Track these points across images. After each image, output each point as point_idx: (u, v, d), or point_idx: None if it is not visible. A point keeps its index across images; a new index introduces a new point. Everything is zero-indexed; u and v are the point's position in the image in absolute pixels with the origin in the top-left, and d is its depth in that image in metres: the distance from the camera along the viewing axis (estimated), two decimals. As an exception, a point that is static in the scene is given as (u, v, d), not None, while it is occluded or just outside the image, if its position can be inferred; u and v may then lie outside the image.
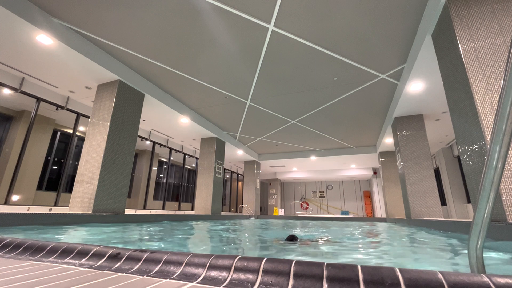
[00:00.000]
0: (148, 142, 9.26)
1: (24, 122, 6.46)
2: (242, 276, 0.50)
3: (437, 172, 10.64)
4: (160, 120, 7.80)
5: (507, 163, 2.49)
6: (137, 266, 0.59)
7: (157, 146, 9.69)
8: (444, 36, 3.36)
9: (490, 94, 2.77)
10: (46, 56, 4.63)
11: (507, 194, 2.46)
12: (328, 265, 0.47)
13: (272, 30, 4.23)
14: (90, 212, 4.48)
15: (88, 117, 6.65)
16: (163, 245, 2.36)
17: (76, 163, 7.26)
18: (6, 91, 5.47)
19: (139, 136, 8.58)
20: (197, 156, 11.83)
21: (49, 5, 3.93)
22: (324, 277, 0.45)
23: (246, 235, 3.27)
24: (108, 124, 5.04)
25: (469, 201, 9.15)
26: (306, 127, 8.81)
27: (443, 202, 10.11)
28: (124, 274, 0.56)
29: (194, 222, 6.20)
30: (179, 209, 11.22)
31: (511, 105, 0.59)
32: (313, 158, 12.41)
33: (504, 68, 2.61)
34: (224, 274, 0.52)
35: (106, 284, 0.49)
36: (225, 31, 4.31)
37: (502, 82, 1.05)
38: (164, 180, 11.01)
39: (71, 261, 0.67)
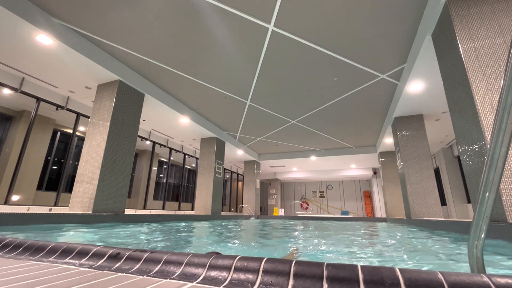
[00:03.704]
0: (148, 142, 9.26)
1: (24, 122, 6.46)
2: (242, 276, 0.50)
3: (437, 172, 10.64)
4: (160, 120, 7.80)
5: (507, 163, 2.49)
6: (137, 266, 0.59)
7: (157, 146, 9.69)
8: (444, 36, 3.36)
9: (490, 94, 2.77)
10: (46, 56, 4.63)
11: (507, 194, 2.46)
12: (328, 265, 0.47)
13: (272, 30, 4.23)
14: (90, 212, 4.48)
15: (88, 117, 6.65)
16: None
17: (76, 163, 7.26)
18: (6, 91, 5.47)
19: (139, 136, 8.58)
20: (197, 156, 11.83)
21: (49, 5, 3.93)
22: (324, 277, 0.45)
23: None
24: (108, 124, 5.04)
25: (469, 201, 9.15)
26: (306, 127, 8.82)
27: (443, 202, 10.11)
28: (124, 274, 0.56)
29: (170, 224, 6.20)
30: (179, 209, 11.23)
31: (511, 105, 0.59)
32: (313, 158, 12.41)
33: (504, 68, 2.61)
34: (224, 274, 0.52)
35: (106, 284, 0.49)
36: (225, 31, 4.31)
37: (502, 82, 1.05)
38: (164, 180, 11.01)
39: (71, 261, 0.67)
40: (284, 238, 3.61)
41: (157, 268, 0.57)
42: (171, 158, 10.76)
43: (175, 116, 7.32)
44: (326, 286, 0.43)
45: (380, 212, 14.79)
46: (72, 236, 2.94)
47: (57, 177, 7.30)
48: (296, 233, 4.29)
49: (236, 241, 3.22)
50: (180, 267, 0.56)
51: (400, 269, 0.43)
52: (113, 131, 5.09)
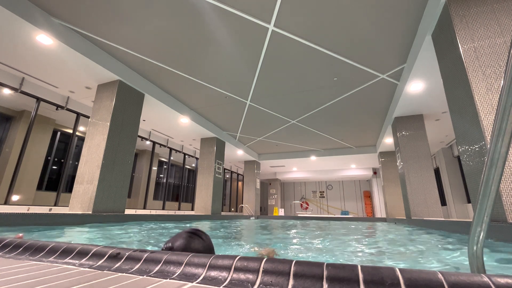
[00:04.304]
0: (148, 142, 9.26)
1: (24, 122, 6.47)
2: (242, 276, 0.50)
3: (437, 172, 10.64)
4: (160, 120, 7.80)
5: (507, 163, 2.49)
6: (137, 266, 0.59)
7: (157, 146, 9.69)
8: (444, 36, 3.36)
9: (490, 94, 2.77)
10: (46, 56, 4.63)
11: (507, 194, 2.46)
12: (328, 265, 0.47)
13: (272, 30, 4.23)
14: (90, 212, 4.48)
15: (88, 117, 6.65)
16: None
17: (76, 163, 7.26)
18: (6, 91, 5.47)
19: (139, 136, 8.58)
20: (197, 156, 11.83)
21: (49, 5, 3.93)
22: (324, 277, 0.45)
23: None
24: (108, 124, 5.04)
25: (469, 201, 9.15)
26: (306, 127, 8.82)
27: (443, 202, 10.11)
28: (124, 274, 0.56)
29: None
30: (179, 209, 11.23)
31: (511, 105, 0.59)
32: (313, 158, 12.42)
33: (504, 68, 2.61)
34: (224, 274, 0.52)
35: (106, 284, 0.49)
36: (225, 31, 4.31)
37: (502, 82, 1.05)
38: (164, 180, 11.01)
39: (71, 261, 0.67)
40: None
41: (157, 268, 0.57)
42: (171, 158, 10.76)
43: (175, 116, 7.32)
44: (326, 286, 0.43)
45: (380, 212, 14.79)
46: (72, 236, 2.94)
47: (57, 177, 7.30)
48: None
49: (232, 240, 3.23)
50: (180, 267, 0.56)
51: (400, 269, 0.43)
52: (113, 131, 5.09)
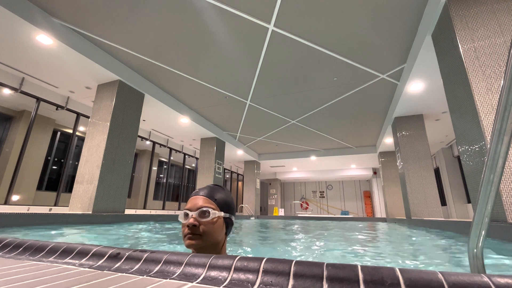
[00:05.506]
0: (148, 142, 9.26)
1: (24, 122, 6.47)
2: (242, 276, 0.50)
3: (437, 172, 10.64)
4: (160, 120, 7.80)
5: (507, 163, 2.49)
6: (137, 266, 0.59)
7: (157, 146, 9.69)
8: (444, 36, 3.37)
9: (490, 94, 2.77)
10: (46, 56, 4.63)
11: (507, 194, 2.46)
12: (328, 265, 0.47)
13: (272, 30, 4.23)
14: (90, 212, 4.48)
15: (88, 117, 6.65)
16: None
17: (76, 163, 7.26)
18: (6, 91, 5.47)
19: (139, 136, 8.58)
20: (197, 156, 11.83)
21: (49, 5, 3.93)
22: (324, 277, 0.45)
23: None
24: (108, 124, 5.04)
25: (469, 201, 9.15)
26: (306, 127, 8.82)
27: (443, 202, 10.11)
28: (124, 274, 0.56)
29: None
30: (179, 209, 11.23)
31: (511, 105, 0.59)
32: (313, 158, 12.42)
33: (504, 68, 2.61)
34: (224, 274, 0.52)
35: (106, 284, 0.49)
36: (225, 31, 4.31)
37: (502, 82, 1.05)
38: (164, 180, 11.01)
39: (71, 261, 0.67)
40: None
41: (157, 268, 0.57)
42: (171, 158, 10.76)
43: (175, 116, 7.32)
44: (326, 286, 0.43)
45: (380, 212, 14.79)
46: (72, 236, 2.94)
47: (57, 177, 7.31)
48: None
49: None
50: (180, 267, 0.56)
51: (400, 269, 0.43)
52: (113, 131, 5.09)
